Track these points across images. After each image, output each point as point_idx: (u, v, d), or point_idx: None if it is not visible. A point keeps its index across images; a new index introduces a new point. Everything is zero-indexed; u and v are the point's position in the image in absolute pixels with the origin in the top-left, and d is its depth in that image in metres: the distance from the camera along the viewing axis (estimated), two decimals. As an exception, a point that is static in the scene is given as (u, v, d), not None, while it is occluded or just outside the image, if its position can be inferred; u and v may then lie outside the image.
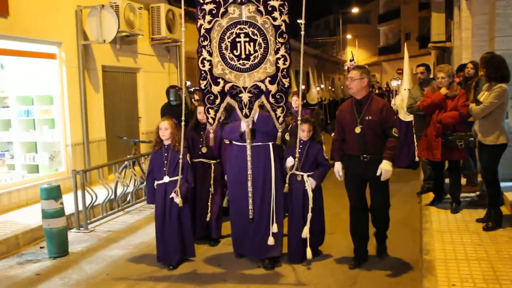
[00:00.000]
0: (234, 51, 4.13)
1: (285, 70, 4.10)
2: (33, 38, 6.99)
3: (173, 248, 4.62)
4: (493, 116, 4.84)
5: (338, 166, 4.45)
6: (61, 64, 7.54)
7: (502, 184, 5.08)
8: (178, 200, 4.47)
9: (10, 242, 5.31)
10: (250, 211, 4.37)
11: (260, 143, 4.48)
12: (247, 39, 4.10)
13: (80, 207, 5.98)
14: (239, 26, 4.10)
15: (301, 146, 4.52)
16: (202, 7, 4.12)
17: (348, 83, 4.34)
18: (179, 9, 9.64)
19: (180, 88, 7.67)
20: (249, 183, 4.34)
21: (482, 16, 8.12)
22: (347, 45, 47.38)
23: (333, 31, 48.93)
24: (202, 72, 4.20)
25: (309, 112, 7.03)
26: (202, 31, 4.15)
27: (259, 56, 4.11)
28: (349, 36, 46.44)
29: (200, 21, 4.15)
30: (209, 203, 5.23)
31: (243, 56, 4.13)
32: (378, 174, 4.14)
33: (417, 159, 8.02)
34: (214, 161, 5.27)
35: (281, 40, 4.06)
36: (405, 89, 8.14)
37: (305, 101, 16.54)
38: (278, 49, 4.07)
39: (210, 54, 4.17)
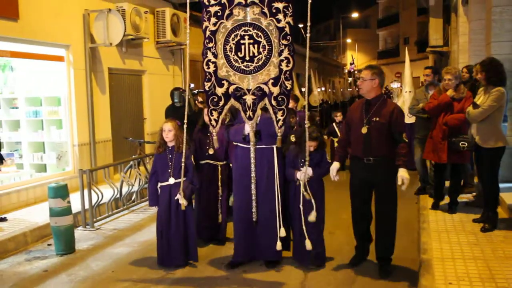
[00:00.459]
0: (239, 53, 4.10)
1: (288, 72, 4.06)
2: (42, 41, 7.08)
3: (177, 251, 4.55)
4: (491, 119, 4.83)
5: (334, 166, 4.28)
6: (69, 66, 7.63)
7: (500, 186, 5.05)
8: (183, 201, 4.40)
9: (18, 240, 5.37)
10: (254, 213, 4.32)
11: (264, 146, 4.41)
12: (251, 41, 4.06)
13: (87, 206, 6.04)
14: (243, 28, 4.07)
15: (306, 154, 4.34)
16: (208, 9, 4.09)
17: (359, 83, 4.22)
18: (183, 13, 9.74)
19: (184, 90, 7.76)
20: (253, 186, 4.30)
21: (479, 21, 8.19)
22: (347, 49, 47.48)
23: (333, 35, 49.05)
24: (207, 73, 4.16)
25: (302, 114, 6.92)
26: (208, 33, 4.12)
27: (263, 58, 4.07)
28: (349, 40, 46.55)
29: (206, 23, 4.12)
30: (218, 205, 5.18)
31: (247, 58, 4.09)
32: (399, 183, 3.96)
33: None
34: (221, 163, 5.21)
35: (284, 42, 4.02)
36: (406, 92, 8.15)
37: (305, 103, 16.65)
38: (282, 51, 4.03)
39: (215, 56, 4.13)
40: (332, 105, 21.32)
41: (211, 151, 5.16)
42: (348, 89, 26.81)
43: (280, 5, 3.98)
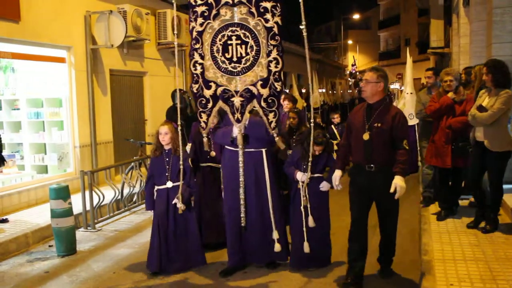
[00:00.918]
0: (226, 54, 3.99)
1: (277, 73, 3.95)
2: (44, 43, 7.11)
3: (179, 256, 4.46)
4: (499, 122, 4.73)
5: (336, 174, 4.06)
6: (70, 67, 7.66)
7: (503, 187, 5.01)
8: (180, 206, 4.33)
9: (20, 241, 5.39)
10: (242, 218, 4.20)
11: (252, 149, 4.30)
12: (239, 41, 3.95)
13: (88, 207, 6.06)
14: (230, 28, 3.96)
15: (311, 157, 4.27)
16: (194, 9, 3.99)
17: (363, 84, 3.97)
18: (185, 14, 9.76)
19: (185, 91, 7.79)
20: (241, 190, 4.18)
21: (480, 22, 8.20)
22: (348, 50, 47.56)
23: (334, 36, 49.10)
24: (194, 75, 4.06)
25: (302, 114, 6.79)
26: (194, 33, 4.01)
27: (251, 59, 3.96)
28: (350, 42, 46.64)
29: (192, 24, 4.01)
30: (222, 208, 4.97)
31: (234, 59, 3.98)
32: (392, 191, 3.72)
33: (419, 164, 8.07)
34: None
35: (273, 42, 3.91)
36: (407, 93, 8.11)
37: (306, 104, 16.60)
38: (270, 51, 3.92)
39: (202, 57, 4.03)
40: (332, 106, 21.29)
41: (212, 154, 5.03)
42: (348, 91, 26.78)
43: (268, 5, 3.87)
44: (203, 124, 4.12)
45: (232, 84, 4.03)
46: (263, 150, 4.34)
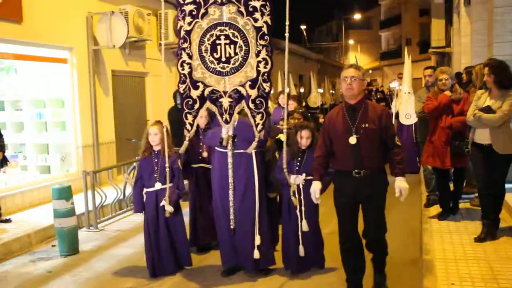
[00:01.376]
0: (214, 54, 3.90)
1: (266, 74, 3.86)
2: (46, 44, 7.15)
3: (167, 259, 4.41)
4: (506, 124, 4.62)
5: (315, 187, 3.68)
6: (72, 68, 7.69)
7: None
8: (168, 208, 4.23)
9: (23, 241, 5.42)
10: (232, 221, 4.13)
11: (242, 150, 4.18)
12: (228, 41, 3.86)
13: (90, 207, 6.08)
14: (219, 28, 3.87)
15: (299, 154, 4.23)
16: (182, 8, 3.89)
17: (348, 83, 3.54)
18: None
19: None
20: (230, 192, 4.10)
21: (481, 22, 8.20)
22: (349, 50, 47.57)
23: (335, 36, 49.13)
24: (182, 75, 3.96)
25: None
26: (182, 32, 3.92)
27: (240, 59, 3.87)
28: (351, 42, 46.64)
29: (180, 23, 3.92)
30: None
31: (223, 59, 3.89)
32: (397, 195, 3.51)
33: (418, 165, 8.06)
34: None
35: (262, 42, 3.81)
36: (405, 93, 8.11)
37: (305, 104, 16.58)
38: (259, 52, 3.83)
39: (190, 57, 3.93)
40: (331, 105, 21.31)
41: (205, 154, 4.99)
42: None
43: (257, 4, 3.78)
44: (188, 126, 4.01)
45: (220, 84, 3.95)
46: (253, 151, 4.21)
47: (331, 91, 24.62)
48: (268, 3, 3.81)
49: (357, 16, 42.39)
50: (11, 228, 5.70)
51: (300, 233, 4.22)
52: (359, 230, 3.78)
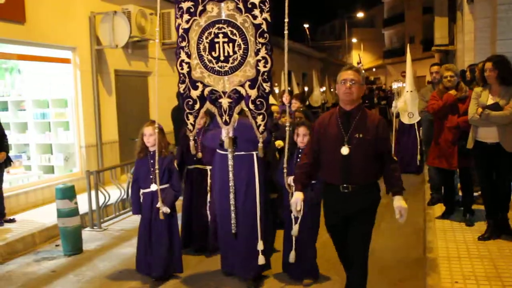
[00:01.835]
0: (213, 53, 3.75)
1: (265, 73, 3.70)
2: (49, 44, 7.17)
3: (159, 261, 4.29)
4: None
5: (296, 197, 3.30)
6: (75, 68, 7.72)
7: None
8: (164, 209, 4.14)
9: (27, 240, 5.44)
10: (233, 225, 4.00)
11: (243, 152, 4.07)
12: (226, 39, 3.71)
13: (94, 207, 6.11)
14: (217, 25, 3.72)
15: (297, 154, 4.08)
16: (180, 5, 3.77)
17: (347, 87, 3.17)
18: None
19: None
20: (231, 196, 3.97)
21: (484, 19, 8.16)
22: (353, 48, 47.48)
23: (338, 35, 49.04)
24: (181, 75, 3.84)
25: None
26: (180, 31, 3.79)
27: (238, 58, 3.71)
28: (354, 40, 46.54)
29: (178, 21, 3.79)
30: (207, 212, 4.89)
31: (221, 58, 3.74)
32: (397, 217, 3.13)
33: (418, 163, 8.04)
34: (210, 167, 4.77)
35: (261, 40, 3.65)
36: (407, 91, 8.07)
37: (307, 103, 16.56)
38: (259, 50, 3.67)
39: (189, 56, 3.80)
40: (333, 104, 21.25)
41: (199, 155, 4.87)
42: None
43: (256, 0, 3.64)
44: (190, 126, 3.92)
45: (219, 84, 3.80)
46: (254, 153, 4.08)
47: (331, 90, 24.58)
48: (267, 0, 3.66)
49: (360, 15, 42.28)
50: (15, 228, 5.73)
51: (293, 238, 4.05)
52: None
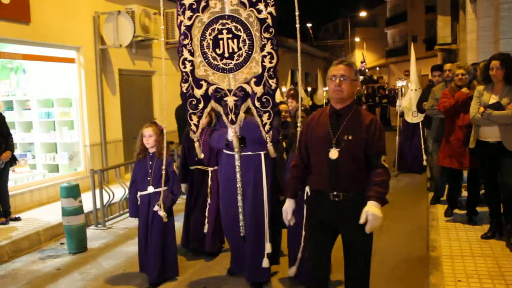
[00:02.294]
0: (217, 50, 3.62)
1: (271, 69, 3.56)
2: (53, 44, 7.21)
3: (153, 264, 4.20)
4: None
5: (288, 205, 3.05)
6: (80, 68, 7.75)
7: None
8: (162, 213, 4.04)
9: (32, 239, 5.48)
10: (241, 228, 3.82)
11: (250, 153, 3.96)
12: (230, 35, 3.58)
13: (98, 205, 6.13)
14: (221, 21, 3.59)
15: None
16: (182, 2, 3.64)
17: (337, 84, 2.87)
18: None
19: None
20: (239, 197, 3.78)
21: (487, 18, 8.15)
22: (356, 47, 47.44)
23: (341, 34, 49.00)
24: (184, 73, 3.71)
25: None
26: (183, 28, 3.66)
27: (244, 54, 3.58)
28: (357, 39, 46.50)
29: (180, 17, 3.66)
30: (206, 213, 4.77)
31: (226, 54, 3.61)
32: (362, 221, 2.70)
33: (425, 163, 8.02)
34: (212, 168, 4.77)
35: (267, 35, 3.53)
36: (412, 90, 8.06)
37: (311, 102, 16.55)
38: (264, 45, 3.54)
39: (192, 54, 3.67)
40: None
41: (201, 156, 4.59)
42: None
43: None
44: (193, 127, 3.76)
45: (224, 82, 3.66)
46: (262, 153, 3.97)
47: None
48: None
49: (363, 14, 42.23)
50: (20, 226, 5.77)
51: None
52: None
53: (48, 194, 7.02)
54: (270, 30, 3.54)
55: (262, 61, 3.57)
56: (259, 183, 3.99)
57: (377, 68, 46.31)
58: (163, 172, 3.98)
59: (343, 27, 47.07)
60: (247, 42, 3.58)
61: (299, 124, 3.58)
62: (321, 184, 2.93)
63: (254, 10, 3.54)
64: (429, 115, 6.04)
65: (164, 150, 4.04)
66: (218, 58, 3.64)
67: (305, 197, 3.22)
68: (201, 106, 3.73)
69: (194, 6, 3.63)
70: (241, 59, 3.61)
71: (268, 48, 3.55)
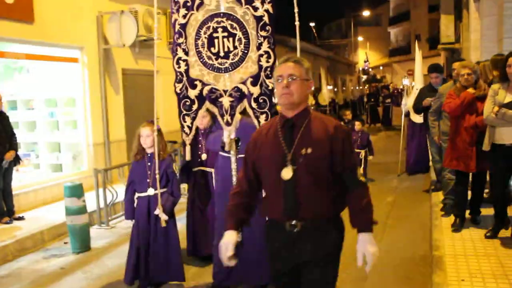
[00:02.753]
0: (212, 49, 3.50)
1: (268, 69, 3.43)
2: (57, 43, 7.23)
3: (160, 267, 4.06)
4: None
5: (227, 239, 2.38)
6: (83, 67, 7.78)
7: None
8: (163, 217, 3.90)
9: (36, 238, 5.50)
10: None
11: None
12: (226, 33, 3.46)
13: (102, 205, 6.15)
14: (216, 19, 3.47)
15: None
16: (176, 0, 3.56)
17: (284, 85, 2.31)
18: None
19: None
20: None
21: (491, 17, 8.13)
22: (359, 47, 47.44)
23: (345, 33, 48.97)
24: (178, 73, 3.61)
25: None
26: (177, 26, 3.55)
27: (239, 53, 3.46)
28: (360, 38, 46.48)
29: (175, 16, 3.56)
30: (207, 216, 4.64)
31: (221, 54, 3.49)
32: (360, 264, 2.29)
33: (430, 163, 7.99)
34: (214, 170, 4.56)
35: (263, 33, 3.40)
36: (417, 89, 8.01)
37: (315, 102, 16.52)
38: (261, 44, 3.42)
39: (186, 53, 3.56)
40: (342, 104, 21.14)
41: (204, 157, 4.64)
42: (357, 88, 26.45)
43: None
44: (186, 129, 3.64)
45: (220, 82, 3.53)
46: None
47: (343, 88, 24.53)
48: None
49: (366, 13, 42.21)
50: (24, 226, 5.79)
51: None
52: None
53: (51, 193, 7.04)
54: (267, 28, 3.42)
55: (259, 60, 3.46)
56: None
57: (381, 68, 46.28)
58: (157, 173, 3.85)
59: (347, 27, 47.01)
60: (243, 40, 3.46)
61: None
62: (274, 212, 2.37)
63: (250, 8, 3.42)
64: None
65: (156, 149, 3.88)
66: (213, 57, 3.53)
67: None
68: (195, 107, 3.62)
69: (188, 4, 3.53)
70: (236, 58, 3.49)
71: (265, 46, 3.43)
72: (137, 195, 4.10)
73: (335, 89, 24.36)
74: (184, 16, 3.54)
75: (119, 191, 6.48)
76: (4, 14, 6.29)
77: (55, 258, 5.09)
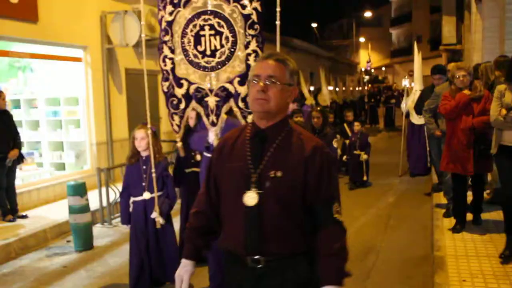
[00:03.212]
0: (198, 47, 3.42)
1: None
2: (61, 43, 7.26)
3: (158, 269, 4.01)
4: None
5: (182, 271, 2.01)
6: (87, 67, 7.81)
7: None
8: (160, 220, 3.84)
9: (39, 236, 5.52)
10: None
11: None
12: (213, 32, 3.38)
13: (104, 203, 6.17)
14: (203, 17, 3.39)
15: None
16: None
17: (260, 88, 1.85)
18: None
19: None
20: None
21: (493, 19, 8.14)
22: (360, 48, 47.41)
23: (346, 34, 48.95)
24: (164, 72, 3.55)
25: (307, 109, 6.37)
26: (163, 24, 3.49)
27: (226, 52, 3.38)
28: (362, 39, 46.46)
29: (161, 13, 3.49)
30: None
31: (208, 52, 3.41)
32: None
33: (428, 165, 8.00)
34: None
35: (251, 32, 3.32)
36: (416, 90, 8.03)
37: (315, 102, 16.50)
38: (249, 43, 3.34)
39: (172, 51, 3.49)
40: (342, 104, 21.11)
41: (198, 158, 4.51)
42: (357, 88, 26.34)
43: None
44: (175, 127, 3.61)
45: (205, 81, 3.45)
46: None
47: (343, 88, 24.51)
48: None
49: (368, 14, 42.19)
50: (27, 224, 5.81)
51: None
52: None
53: (54, 192, 7.06)
54: (255, 27, 3.33)
55: (247, 59, 3.36)
56: None
57: (383, 68, 46.27)
58: (153, 176, 3.77)
59: (348, 27, 46.98)
60: (230, 39, 3.38)
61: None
62: (234, 243, 1.92)
63: (238, 6, 3.34)
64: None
65: (151, 151, 3.81)
66: (200, 56, 3.45)
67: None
68: (182, 106, 3.55)
69: (175, 1, 3.46)
70: (223, 57, 3.40)
71: (253, 45, 3.34)
72: (132, 199, 3.99)
73: (337, 89, 24.35)
74: (171, 13, 3.47)
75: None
76: (9, 13, 6.32)
77: (58, 257, 5.11)
